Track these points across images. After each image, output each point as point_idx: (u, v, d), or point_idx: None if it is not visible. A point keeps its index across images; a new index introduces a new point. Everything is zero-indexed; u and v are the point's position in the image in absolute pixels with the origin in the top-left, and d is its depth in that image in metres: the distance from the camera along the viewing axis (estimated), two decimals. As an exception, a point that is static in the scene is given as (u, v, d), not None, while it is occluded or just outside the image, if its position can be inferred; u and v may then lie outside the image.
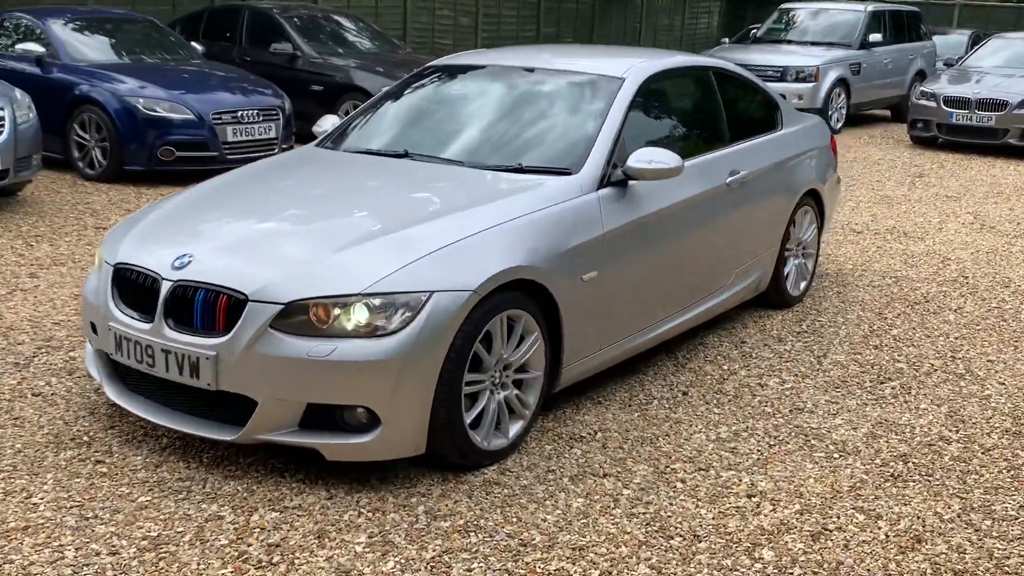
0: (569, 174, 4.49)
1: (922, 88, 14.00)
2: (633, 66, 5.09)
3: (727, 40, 18.87)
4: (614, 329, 4.62)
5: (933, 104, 13.60)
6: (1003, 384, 5.18)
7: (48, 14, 10.17)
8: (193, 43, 11.17)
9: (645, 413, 4.63)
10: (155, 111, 9.06)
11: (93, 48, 9.97)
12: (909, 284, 6.95)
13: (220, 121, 9.24)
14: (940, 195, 10.37)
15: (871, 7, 16.23)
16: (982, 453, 4.36)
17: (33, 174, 8.20)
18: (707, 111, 5.54)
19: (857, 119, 16.38)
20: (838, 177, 6.84)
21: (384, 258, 3.76)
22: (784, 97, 14.43)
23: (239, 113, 9.40)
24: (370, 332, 3.60)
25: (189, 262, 3.84)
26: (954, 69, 14.81)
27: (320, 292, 3.64)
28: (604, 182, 4.53)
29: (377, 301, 3.63)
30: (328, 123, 5.49)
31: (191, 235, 4.11)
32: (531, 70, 5.22)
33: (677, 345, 5.50)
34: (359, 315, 3.61)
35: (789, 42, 16.12)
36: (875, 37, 15.84)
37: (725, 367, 5.26)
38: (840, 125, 15.21)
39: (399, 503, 3.69)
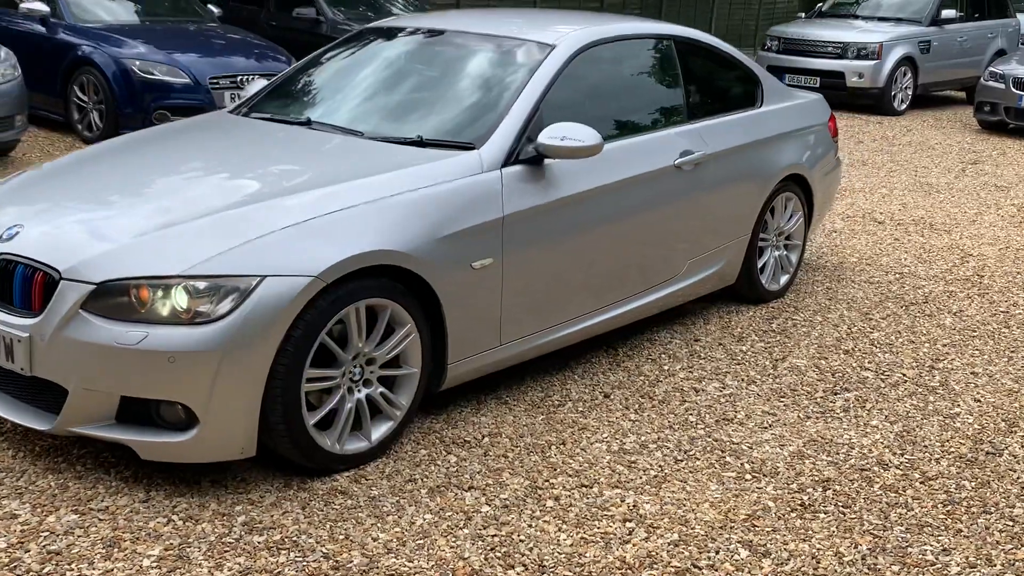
0: (472, 149, 4.04)
1: (991, 68, 13.04)
2: (568, 33, 4.60)
3: (803, 15, 17.92)
4: (521, 322, 4.17)
5: (1002, 86, 12.65)
6: (978, 401, 4.58)
7: (58, -27, 10.02)
8: (210, 6, 10.93)
9: (552, 416, 4.17)
10: (151, 74, 8.82)
11: (101, 8, 9.77)
12: (913, 281, 6.31)
13: (217, 86, 8.95)
14: (988, 184, 9.57)
15: (946, -20, 15.25)
16: (921, 483, 3.80)
17: (18, 134, 8.04)
18: (660, 85, 5.00)
19: (926, 100, 15.43)
20: (837, 161, 6.21)
21: (219, 236, 3.38)
22: (843, 75, 13.82)
23: (239, 78, 9.11)
24: (190, 319, 3.22)
25: (16, 233, 3.51)
26: (1030, 49, 13.80)
27: (136, 272, 3.27)
28: (512, 159, 4.08)
29: (201, 284, 3.25)
30: (255, 87, 5.13)
31: (34, 203, 3.78)
32: (461, 34, 4.77)
33: (622, 340, 5.02)
34: (178, 299, 3.24)
35: (855, 17, 15.23)
36: (948, 13, 14.85)
37: (665, 367, 4.76)
38: (905, 107, 14.32)
39: (220, 511, 3.31)
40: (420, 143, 4.11)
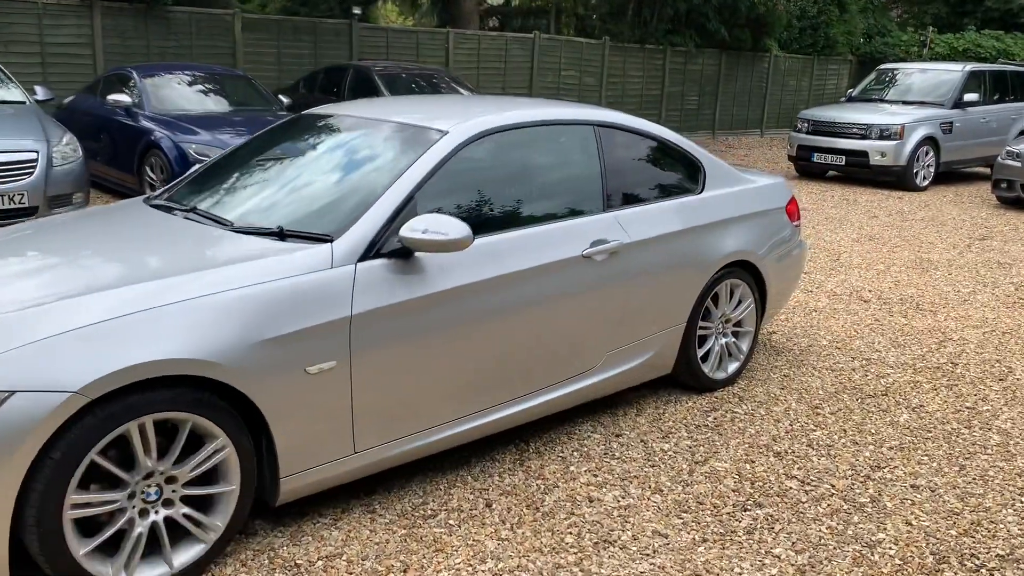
0: (327, 241, 3.13)
1: (1007, 148, 11.48)
2: (467, 118, 3.65)
3: (844, 99, 16.51)
4: (382, 429, 3.20)
5: (1018, 164, 11.09)
6: (910, 524, 3.37)
7: (147, 69, 9.59)
8: (280, 95, 10.37)
9: (413, 532, 3.17)
10: (205, 155, 8.21)
11: (179, 98, 9.29)
12: (878, 369, 5.07)
13: (263, 166, 8.29)
14: (991, 261, 8.12)
15: (969, 67, 13.68)
16: (804, 644, 2.66)
17: (77, 209, 7.50)
18: (572, 172, 3.95)
19: (952, 176, 13.87)
20: (798, 245, 5.05)
21: (-15, 344, 2.54)
22: (867, 154, 12.43)
23: (283, 159, 8.42)
24: (-69, 439, 2.38)
25: None
26: (1047, 129, 12.16)
27: None
28: (373, 253, 3.14)
29: (-51, 400, 2.41)
30: (189, 173, 4.33)
31: None
32: (366, 121, 3.87)
33: (540, 431, 3.99)
34: (-80, 417, 2.41)
35: (882, 101, 13.81)
36: (971, 97, 13.30)
37: (571, 468, 3.70)
38: (927, 183, 12.82)
39: (-40, 654, 2.44)
40: (280, 234, 3.21)
